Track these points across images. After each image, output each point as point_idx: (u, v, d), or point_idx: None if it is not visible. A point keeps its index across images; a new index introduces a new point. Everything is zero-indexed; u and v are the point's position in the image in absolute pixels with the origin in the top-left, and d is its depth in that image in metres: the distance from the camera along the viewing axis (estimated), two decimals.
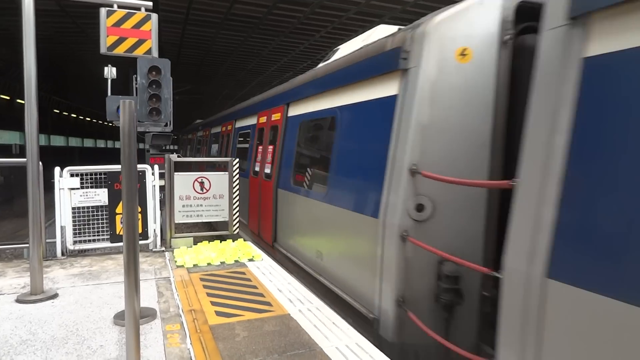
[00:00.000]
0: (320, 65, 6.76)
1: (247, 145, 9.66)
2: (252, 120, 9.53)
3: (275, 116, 7.78)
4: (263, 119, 8.59)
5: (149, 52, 5.04)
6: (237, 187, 7.09)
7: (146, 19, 5.08)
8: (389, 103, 4.26)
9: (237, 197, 7.10)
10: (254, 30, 19.93)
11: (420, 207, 3.80)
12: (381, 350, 3.51)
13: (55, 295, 4.55)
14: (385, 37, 4.67)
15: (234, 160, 7.07)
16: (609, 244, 2.14)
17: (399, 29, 4.79)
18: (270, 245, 7.33)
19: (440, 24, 3.86)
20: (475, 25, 3.83)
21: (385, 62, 4.37)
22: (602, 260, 2.16)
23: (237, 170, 7.09)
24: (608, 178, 2.21)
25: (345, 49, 6.31)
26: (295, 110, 6.94)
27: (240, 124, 10.79)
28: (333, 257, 5.15)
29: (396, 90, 4.19)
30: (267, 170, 7.75)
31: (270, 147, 7.78)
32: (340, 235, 4.97)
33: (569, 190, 2.38)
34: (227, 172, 7.01)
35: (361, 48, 5.23)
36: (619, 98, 2.22)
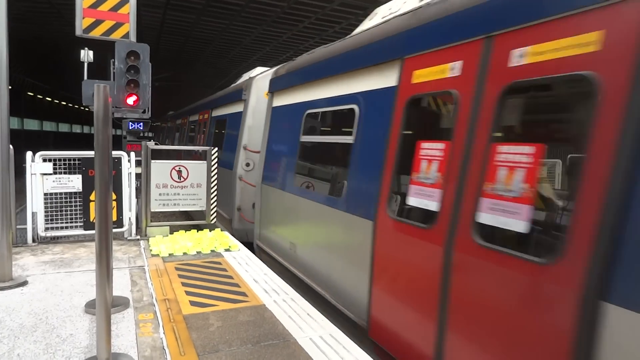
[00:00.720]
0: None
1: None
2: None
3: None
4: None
5: (126, 36, 4.93)
6: (215, 176, 7.02)
7: (124, 2, 4.97)
8: (239, 115, 9.07)
9: (215, 187, 7.03)
10: (235, 17, 19.67)
11: (248, 164, 8.47)
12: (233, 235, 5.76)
13: (24, 283, 4.45)
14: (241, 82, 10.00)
15: (212, 149, 6.99)
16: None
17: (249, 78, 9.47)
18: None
19: (258, 77, 8.78)
20: (267, 81, 7.62)
21: (238, 94, 9.35)
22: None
23: (216, 160, 7.02)
24: (270, 153, 6.86)
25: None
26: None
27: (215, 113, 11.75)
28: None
29: (242, 109, 8.96)
30: None
31: None
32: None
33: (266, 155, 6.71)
34: (205, 162, 6.93)
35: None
36: (277, 122, 6.69)
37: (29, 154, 5.78)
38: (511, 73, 2.77)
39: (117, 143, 8.35)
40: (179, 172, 6.76)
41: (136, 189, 6.56)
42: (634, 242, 2.02)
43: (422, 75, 3.59)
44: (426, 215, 3.40)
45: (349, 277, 4.36)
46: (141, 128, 9.77)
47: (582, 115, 2.65)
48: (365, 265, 4.02)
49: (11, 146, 4.77)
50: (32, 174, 5.82)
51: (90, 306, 3.88)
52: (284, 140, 6.33)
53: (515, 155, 2.66)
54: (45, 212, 5.92)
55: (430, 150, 3.41)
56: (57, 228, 6.02)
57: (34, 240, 5.96)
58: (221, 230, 6.98)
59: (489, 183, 2.80)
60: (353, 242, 4.31)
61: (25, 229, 5.97)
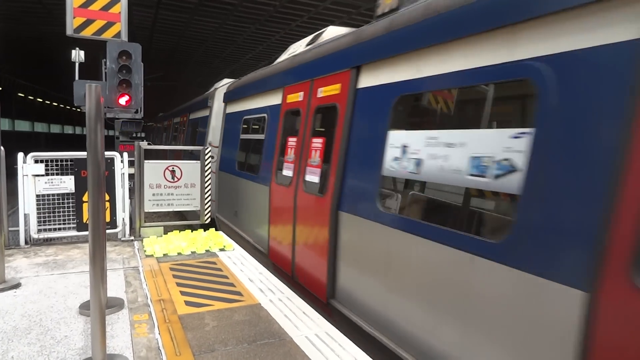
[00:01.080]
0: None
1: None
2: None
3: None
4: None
5: (117, 35, 4.90)
6: (209, 176, 7.00)
7: (115, 1, 4.94)
8: (207, 118, 11.04)
9: (209, 187, 7.01)
10: (228, 17, 19.60)
11: (212, 157, 7.45)
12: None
13: (17, 285, 4.42)
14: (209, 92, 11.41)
15: (206, 148, 6.97)
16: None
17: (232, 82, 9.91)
18: None
19: (219, 89, 10.63)
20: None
21: (205, 102, 11.57)
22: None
23: (210, 159, 7.00)
24: (226, 147, 8.46)
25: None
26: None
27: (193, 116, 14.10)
28: None
29: (208, 113, 10.91)
30: None
31: None
32: None
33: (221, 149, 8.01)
34: (198, 161, 6.90)
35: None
36: (228, 124, 9.01)
37: (20, 155, 5.74)
38: (317, 101, 5.10)
39: (110, 143, 8.31)
40: (173, 172, 6.74)
41: (129, 189, 6.53)
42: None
43: (289, 98, 5.89)
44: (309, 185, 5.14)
45: (259, 223, 6.50)
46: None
47: (333, 123, 4.66)
48: (265, 213, 6.14)
49: (2, 147, 4.73)
50: (24, 176, 5.77)
51: (84, 307, 3.86)
52: (231, 138, 8.50)
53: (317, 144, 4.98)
54: (38, 213, 5.88)
55: (291, 142, 5.60)
56: (49, 230, 5.98)
57: (26, 242, 5.92)
58: (216, 230, 6.96)
59: (308, 159, 5.10)
60: (261, 201, 6.33)
61: (18, 231, 5.92)
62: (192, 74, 36.11)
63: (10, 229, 6.07)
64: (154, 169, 6.64)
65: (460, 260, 2.88)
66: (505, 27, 2.78)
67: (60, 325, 3.59)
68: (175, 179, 6.77)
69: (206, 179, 6.94)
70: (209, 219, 7.07)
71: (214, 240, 6.27)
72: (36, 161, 5.84)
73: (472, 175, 2.90)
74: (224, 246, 6.08)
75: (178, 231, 6.72)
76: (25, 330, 3.48)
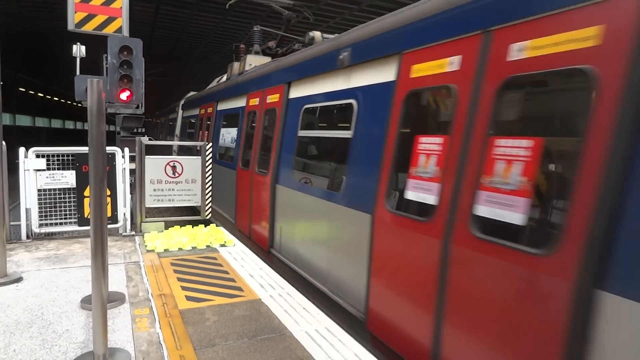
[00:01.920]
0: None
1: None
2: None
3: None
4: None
5: (119, 30, 4.89)
6: (210, 172, 7.01)
7: None
8: (175, 119, 17.45)
9: (210, 182, 7.03)
10: (229, 12, 19.56)
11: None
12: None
13: (19, 279, 4.44)
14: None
15: (207, 144, 6.98)
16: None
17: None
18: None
19: (182, 100, 16.39)
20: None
21: (175, 108, 18.78)
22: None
23: (210, 155, 7.01)
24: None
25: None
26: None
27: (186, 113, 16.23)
28: None
29: (177, 116, 17.76)
30: None
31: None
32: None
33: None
34: (199, 157, 6.91)
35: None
36: (183, 124, 13.17)
37: (21, 149, 5.75)
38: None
39: (111, 139, 8.31)
40: (174, 167, 6.75)
41: (130, 184, 6.54)
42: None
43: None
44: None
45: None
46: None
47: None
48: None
49: (4, 142, 4.74)
50: (25, 170, 5.78)
51: (86, 302, 3.88)
52: (185, 132, 13.40)
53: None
54: (39, 208, 5.90)
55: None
56: (51, 224, 6.00)
57: (28, 237, 5.94)
58: (216, 226, 6.98)
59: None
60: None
61: (19, 225, 5.94)
62: (193, 69, 36.04)
63: (11, 223, 6.08)
64: (155, 165, 6.65)
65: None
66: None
67: (62, 319, 3.61)
68: (177, 175, 6.79)
69: (207, 175, 6.95)
70: (209, 215, 7.08)
71: (214, 235, 6.28)
72: (37, 156, 5.86)
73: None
74: (225, 242, 6.10)
75: (179, 226, 6.74)
76: (27, 324, 3.50)
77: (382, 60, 4.09)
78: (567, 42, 2.46)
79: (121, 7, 4.85)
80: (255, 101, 7.50)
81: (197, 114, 12.72)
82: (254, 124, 7.46)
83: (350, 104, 4.56)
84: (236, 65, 10.22)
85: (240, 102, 8.45)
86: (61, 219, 6.03)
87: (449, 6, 3.29)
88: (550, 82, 3.39)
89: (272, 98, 6.69)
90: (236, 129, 8.49)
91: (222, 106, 9.97)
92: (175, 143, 15.27)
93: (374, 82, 4.19)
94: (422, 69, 3.52)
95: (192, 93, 15.99)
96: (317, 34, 7.00)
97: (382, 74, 4.07)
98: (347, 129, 4.57)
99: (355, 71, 4.56)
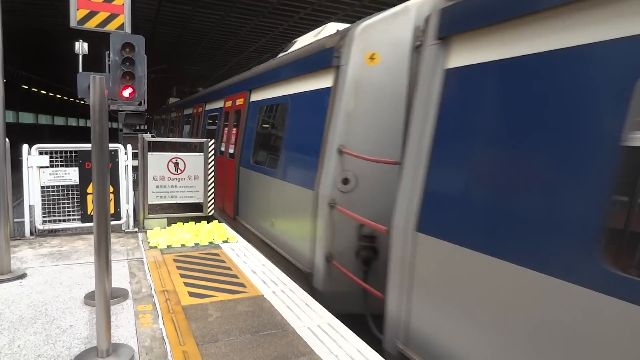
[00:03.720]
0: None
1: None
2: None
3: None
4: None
5: (121, 27, 4.90)
6: (213, 168, 7.02)
7: None
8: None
9: (213, 179, 7.03)
10: (231, 9, 19.54)
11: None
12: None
13: (23, 275, 4.46)
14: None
15: (209, 141, 6.99)
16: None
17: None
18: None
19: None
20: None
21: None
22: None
23: (213, 152, 7.02)
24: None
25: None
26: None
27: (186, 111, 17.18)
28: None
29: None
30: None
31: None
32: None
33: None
34: (202, 154, 6.92)
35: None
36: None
37: (25, 146, 5.77)
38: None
39: (114, 136, 8.34)
40: (176, 164, 6.76)
41: (133, 181, 6.56)
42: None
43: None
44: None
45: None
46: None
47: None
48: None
49: (7, 139, 4.76)
50: (28, 167, 5.81)
51: (89, 298, 3.90)
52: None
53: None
54: (43, 205, 5.92)
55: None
56: (54, 221, 6.02)
57: (31, 234, 5.97)
58: (219, 222, 7.00)
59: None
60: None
61: (23, 222, 5.96)
62: (195, 66, 36.03)
63: (15, 220, 6.11)
64: (157, 161, 6.66)
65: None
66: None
67: (66, 315, 3.63)
68: (179, 171, 6.80)
69: (209, 172, 6.96)
70: (212, 212, 7.10)
71: (217, 232, 6.30)
72: (41, 153, 5.88)
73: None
74: (227, 238, 6.11)
75: (182, 223, 6.75)
76: (31, 320, 3.52)
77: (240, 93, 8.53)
78: (246, 99, 8.23)
79: (123, 4, 4.85)
80: (229, 103, 9.69)
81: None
82: (226, 121, 9.65)
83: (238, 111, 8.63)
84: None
85: (220, 104, 10.64)
86: (64, 215, 6.06)
87: (242, 79, 8.97)
88: (254, 109, 7.90)
89: (239, 101, 8.81)
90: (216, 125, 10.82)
91: (208, 107, 12.30)
92: (177, 140, 14.66)
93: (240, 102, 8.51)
94: (239, 100, 8.50)
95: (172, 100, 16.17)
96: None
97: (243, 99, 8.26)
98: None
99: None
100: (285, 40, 24.98)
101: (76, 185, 6.04)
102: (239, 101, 8.63)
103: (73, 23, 4.88)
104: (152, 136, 7.15)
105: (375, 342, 3.82)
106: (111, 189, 6.06)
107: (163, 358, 3.02)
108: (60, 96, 53.79)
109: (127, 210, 6.42)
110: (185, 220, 7.00)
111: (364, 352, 3.20)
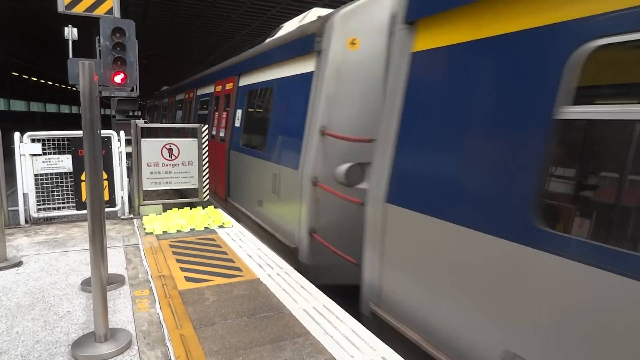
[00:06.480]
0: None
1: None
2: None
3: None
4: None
5: (110, 11, 4.83)
6: (207, 153, 7.01)
7: None
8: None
9: (207, 164, 7.03)
10: None
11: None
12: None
13: (19, 263, 4.48)
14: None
15: (202, 126, 6.96)
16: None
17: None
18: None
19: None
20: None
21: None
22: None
23: (207, 137, 7.00)
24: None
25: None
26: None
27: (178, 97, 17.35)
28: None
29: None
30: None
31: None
32: None
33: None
34: (196, 139, 6.90)
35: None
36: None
37: (16, 134, 5.73)
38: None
39: (106, 122, 8.28)
40: (170, 150, 6.75)
41: (127, 168, 6.54)
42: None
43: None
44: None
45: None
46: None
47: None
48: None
49: None
50: (21, 155, 5.78)
51: (86, 284, 3.93)
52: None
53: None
54: (37, 193, 5.91)
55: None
56: (49, 209, 6.02)
57: (26, 222, 5.96)
58: (214, 208, 7.01)
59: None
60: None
61: (17, 210, 5.96)
62: (188, 50, 35.61)
63: (10, 208, 6.11)
64: (151, 147, 6.64)
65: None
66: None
67: (63, 302, 3.66)
68: (173, 157, 6.78)
69: (204, 157, 6.95)
70: (207, 197, 7.10)
71: (212, 217, 6.32)
72: (33, 141, 5.84)
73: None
74: (223, 223, 6.13)
75: (177, 209, 6.77)
76: (29, 307, 3.55)
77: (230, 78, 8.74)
78: (235, 83, 8.50)
79: None
80: (219, 88, 9.74)
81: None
82: (217, 106, 9.72)
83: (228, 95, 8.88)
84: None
85: (210, 89, 10.65)
86: (59, 203, 6.05)
87: (230, 64, 9.20)
88: (242, 93, 8.13)
89: (229, 86, 8.92)
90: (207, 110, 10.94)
91: (200, 92, 12.27)
92: (170, 126, 14.33)
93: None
94: (228, 85, 8.87)
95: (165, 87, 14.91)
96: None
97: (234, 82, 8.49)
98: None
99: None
100: (278, 22, 24.65)
101: (70, 172, 6.02)
102: (229, 86, 8.85)
103: (61, 8, 4.81)
104: (145, 122, 7.10)
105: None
106: (105, 176, 6.05)
107: (161, 342, 3.05)
108: (51, 83, 53.15)
109: (122, 197, 6.41)
110: (181, 206, 7.01)
111: (358, 332, 3.25)
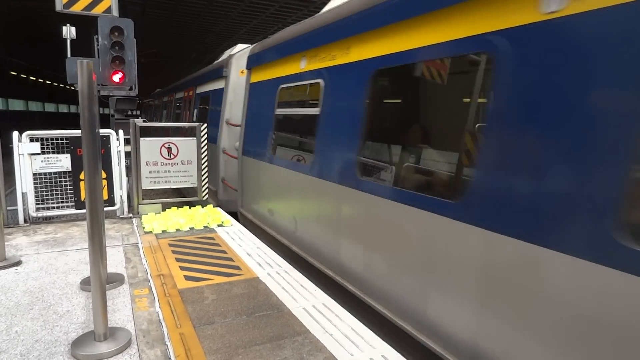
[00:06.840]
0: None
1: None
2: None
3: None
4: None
5: (108, 10, 4.82)
6: (206, 152, 7.01)
7: None
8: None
9: (206, 163, 7.02)
10: None
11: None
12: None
13: (18, 263, 4.48)
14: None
15: (202, 125, 6.96)
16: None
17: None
18: None
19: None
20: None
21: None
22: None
23: (206, 136, 7.00)
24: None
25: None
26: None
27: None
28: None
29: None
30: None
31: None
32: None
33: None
34: (194, 138, 6.90)
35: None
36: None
37: (15, 134, 5.72)
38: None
39: (106, 122, 8.27)
40: (169, 149, 6.74)
41: (126, 167, 6.54)
42: None
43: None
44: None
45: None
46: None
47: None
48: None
49: None
50: (19, 155, 5.77)
51: (85, 283, 3.93)
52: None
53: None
54: (36, 192, 5.90)
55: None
56: (48, 208, 6.01)
57: (25, 221, 5.96)
58: (213, 207, 7.01)
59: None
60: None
61: (16, 210, 5.95)
62: (187, 49, 35.56)
63: (8, 208, 6.10)
64: (150, 147, 6.64)
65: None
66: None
67: (62, 301, 3.66)
68: (172, 156, 6.78)
69: (203, 156, 6.94)
70: (206, 196, 7.10)
71: (212, 216, 6.32)
72: (31, 140, 5.83)
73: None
74: (222, 222, 6.13)
75: (176, 208, 6.76)
76: (28, 306, 3.55)
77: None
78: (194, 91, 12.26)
79: None
80: (186, 94, 13.10)
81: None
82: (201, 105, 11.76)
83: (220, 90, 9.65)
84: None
85: (181, 94, 13.52)
86: (58, 202, 6.05)
87: (192, 77, 13.36)
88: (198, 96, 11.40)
89: (190, 93, 12.56)
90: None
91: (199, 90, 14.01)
92: (169, 125, 14.29)
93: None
94: (190, 91, 12.93)
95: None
96: None
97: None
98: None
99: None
100: (276, 21, 24.67)
101: (69, 172, 6.01)
102: (190, 92, 12.69)
103: (59, 7, 4.80)
104: (144, 121, 7.10)
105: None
106: (104, 175, 6.04)
107: (160, 340, 3.06)
108: (50, 82, 53.03)
109: (121, 196, 6.41)
110: (180, 204, 7.01)
111: (358, 330, 3.26)
